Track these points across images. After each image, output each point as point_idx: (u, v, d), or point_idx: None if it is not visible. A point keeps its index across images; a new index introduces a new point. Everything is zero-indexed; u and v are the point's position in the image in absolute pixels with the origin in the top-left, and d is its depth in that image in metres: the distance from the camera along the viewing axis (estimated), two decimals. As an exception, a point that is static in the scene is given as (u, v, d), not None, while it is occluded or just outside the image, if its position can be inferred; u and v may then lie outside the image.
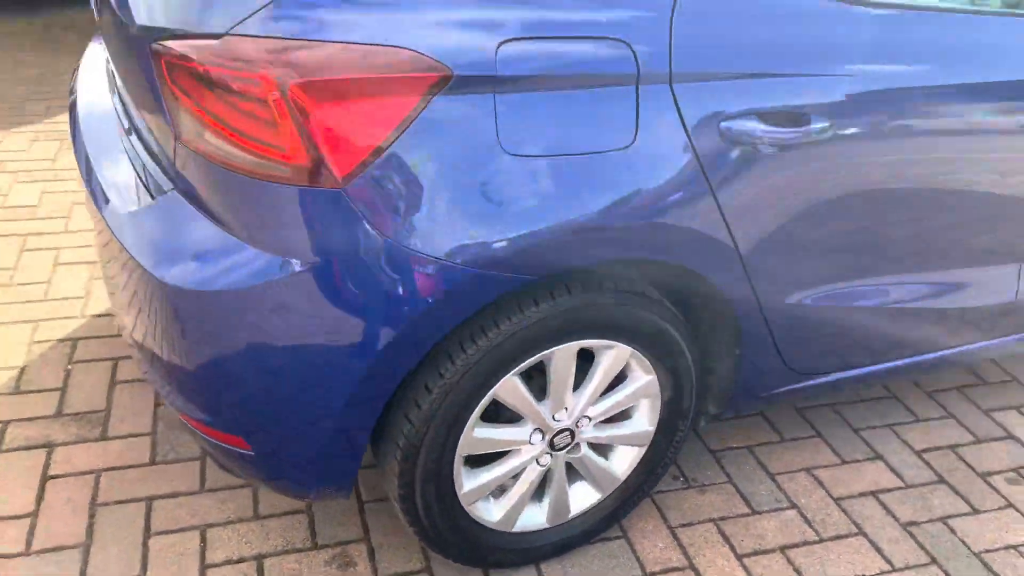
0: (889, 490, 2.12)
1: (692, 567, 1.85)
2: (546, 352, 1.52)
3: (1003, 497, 2.14)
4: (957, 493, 2.13)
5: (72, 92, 2.03)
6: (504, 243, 1.33)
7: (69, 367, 2.27)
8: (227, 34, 1.22)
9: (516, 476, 1.69)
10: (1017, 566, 1.95)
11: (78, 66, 2.13)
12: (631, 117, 1.37)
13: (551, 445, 1.67)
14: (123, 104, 1.72)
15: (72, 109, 1.96)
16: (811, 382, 1.94)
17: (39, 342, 2.35)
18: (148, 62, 1.36)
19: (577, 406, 1.64)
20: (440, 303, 1.34)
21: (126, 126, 1.69)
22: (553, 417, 1.63)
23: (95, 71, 2.04)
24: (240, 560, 1.76)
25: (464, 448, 1.56)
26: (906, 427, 2.34)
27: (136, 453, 2.01)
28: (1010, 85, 1.71)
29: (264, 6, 1.22)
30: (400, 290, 1.32)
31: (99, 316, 2.47)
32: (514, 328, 1.45)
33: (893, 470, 2.18)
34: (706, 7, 1.40)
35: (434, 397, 1.46)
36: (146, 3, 1.37)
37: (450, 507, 1.62)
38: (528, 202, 1.34)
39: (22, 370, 2.24)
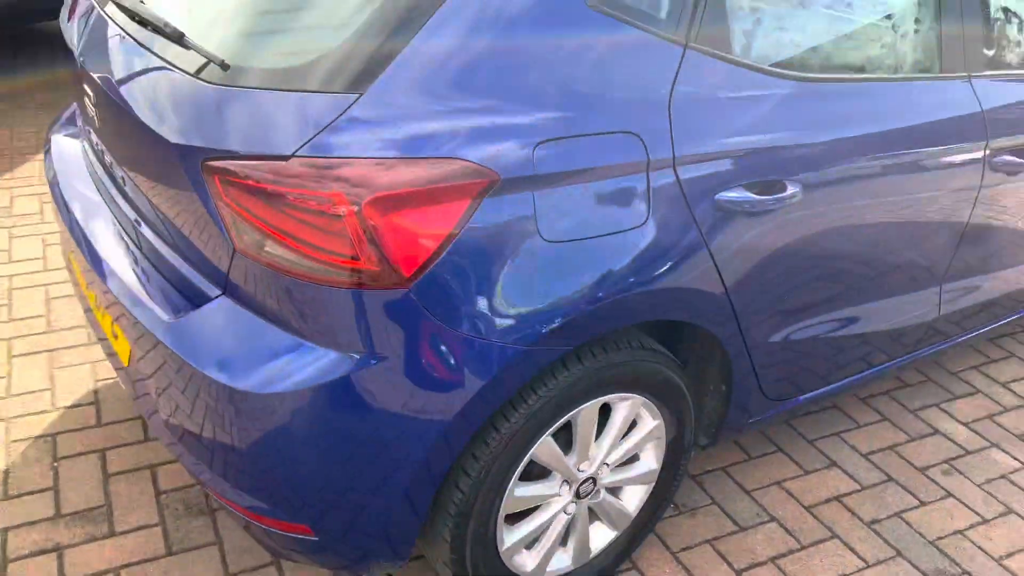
0: (849, 493, 2.37)
1: (699, 587, 2.03)
2: (574, 411, 1.67)
3: (942, 488, 2.43)
4: (905, 489, 2.41)
5: (56, 187, 2.02)
6: (548, 320, 1.47)
7: (55, 464, 2.23)
8: (294, 155, 1.32)
9: (545, 527, 1.82)
10: (965, 548, 2.23)
11: (50, 159, 2.13)
12: (644, 198, 1.55)
13: (576, 494, 1.81)
14: (134, 210, 1.75)
15: (62, 206, 1.96)
16: (781, 408, 2.16)
17: (16, 441, 2.29)
18: (193, 178, 1.43)
19: (599, 455, 1.79)
20: (494, 381, 1.47)
21: (138, 231, 1.73)
22: (578, 468, 1.78)
23: (78, 172, 2.04)
24: (283, 639, 1.81)
25: (507, 508, 1.68)
26: (851, 433, 2.62)
27: (151, 545, 2.01)
28: (926, 143, 2.00)
29: (325, 127, 1.32)
30: (460, 374, 1.44)
31: (72, 407, 2.43)
32: (550, 393, 1.59)
33: (849, 474, 2.44)
34: (694, 102, 1.60)
35: (482, 465, 1.58)
36: (193, 122, 1.43)
37: (495, 564, 1.74)
38: (567, 281, 1.48)
39: (6, 472, 2.19)
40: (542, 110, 1.44)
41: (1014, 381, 2.95)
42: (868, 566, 2.14)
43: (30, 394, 2.47)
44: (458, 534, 1.63)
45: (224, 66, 1.45)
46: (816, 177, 1.78)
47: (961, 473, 2.50)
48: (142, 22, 1.64)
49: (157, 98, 1.52)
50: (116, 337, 1.79)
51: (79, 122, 2.13)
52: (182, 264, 1.60)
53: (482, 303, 1.42)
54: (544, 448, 1.67)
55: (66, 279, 3.01)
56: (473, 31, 1.39)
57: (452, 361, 1.43)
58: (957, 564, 2.17)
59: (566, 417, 1.66)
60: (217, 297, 1.50)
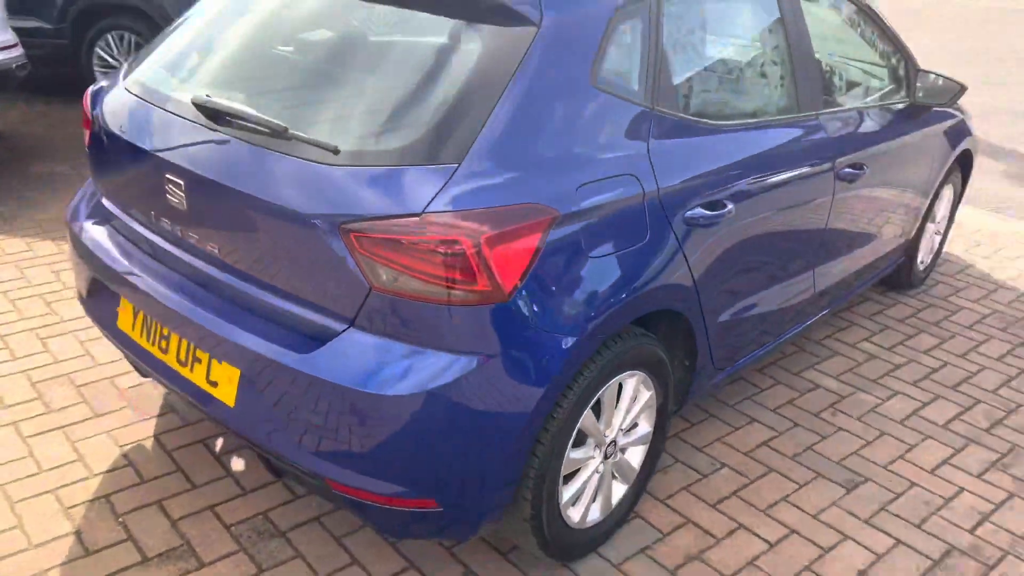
0: (771, 439, 3.04)
1: (687, 518, 2.60)
2: (604, 389, 2.20)
3: (833, 424, 3.16)
4: (808, 429, 3.11)
5: (110, 261, 2.31)
6: (595, 317, 2.00)
7: (121, 520, 2.45)
8: (424, 212, 1.78)
9: (584, 484, 2.32)
10: (860, 463, 2.95)
11: (91, 242, 2.40)
12: (645, 220, 2.12)
13: (604, 455, 2.33)
14: (230, 273, 2.10)
15: (120, 277, 2.26)
16: (722, 375, 2.80)
17: (72, 507, 2.48)
18: (327, 240, 1.84)
19: (616, 423, 2.33)
20: (563, 368, 1.97)
21: (237, 290, 2.09)
22: (605, 434, 2.30)
23: (135, 250, 2.34)
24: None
25: (565, 469, 2.17)
26: (758, 396, 3.30)
27: (242, 568, 2.30)
28: (798, 165, 2.73)
29: (440, 189, 1.79)
30: (545, 362, 1.93)
31: (110, 471, 2.64)
32: (591, 375, 2.11)
33: (767, 426, 3.12)
34: (662, 147, 2.20)
35: (550, 436, 2.06)
36: (323, 197, 1.85)
37: (557, 516, 2.22)
38: (605, 286, 2.02)
39: (77, 534, 2.39)
40: (577, 162, 1.98)
41: (860, 342, 3.79)
42: (800, 487, 2.80)
43: (62, 467, 2.65)
44: (536, 494, 2.10)
45: (335, 151, 1.88)
46: (739, 196, 2.44)
47: (843, 412, 3.24)
48: (232, 119, 2.03)
49: (280, 181, 1.91)
50: (215, 384, 2.12)
51: (124, 210, 2.42)
52: (293, 308, 1.98)
53: (555, 306, 1.93)
54: (587, 420, 2.18)
55: (43, 363, 3.15)
56: (525, 111, 1.92)
57: (537, 354, 1.92)
58: (859, 474, 2.89)
59: (600, 392, 2.18)
60: (346, 329, 1.91)
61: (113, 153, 2.37)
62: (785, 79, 2.77)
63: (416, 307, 1.83)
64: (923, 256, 4.22)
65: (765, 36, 2.76)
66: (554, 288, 1.93)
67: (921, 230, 4.02)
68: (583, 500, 2.33)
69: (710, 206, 2.33)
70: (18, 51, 5.20)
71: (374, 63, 2.10)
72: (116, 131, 2.34)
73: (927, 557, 2.54)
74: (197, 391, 2.18)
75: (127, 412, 2.92)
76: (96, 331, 3.38)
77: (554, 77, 1.97)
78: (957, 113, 3.94)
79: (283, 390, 1.96)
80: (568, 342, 1.96)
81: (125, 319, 2.39)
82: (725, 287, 2.52)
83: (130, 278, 2.30)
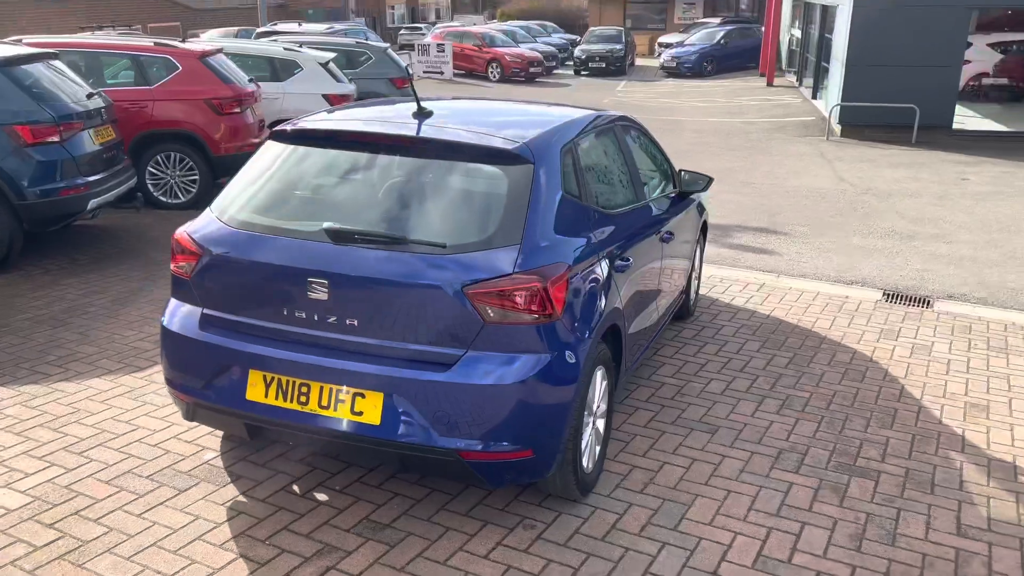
0: (659, 412, 4.54)
1: (653, 462, 3.98)
2: (594, 375, 3.56)
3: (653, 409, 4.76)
4: (675, 407, 4.68)
5: (244, 344, 3.27)
6: (596, 326, 3.39)
7: (268, 541, 3.30)
8: (513, 273, 3.07)
9: (587, 441, 3.62)
10: (708, 417, 4.55)
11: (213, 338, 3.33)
12: (604, 268, 3.57)
13: (594, 420, 3.67)
14: (363, 336, 3.19)
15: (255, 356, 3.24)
16: (628, 372, 4.27)
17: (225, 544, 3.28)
18: (453, 298, 3.05)
19: (596, 399, 3.68)
20: (586, 357, 3.32)
21: (367, 348, 3.19)
22: (596, 406, 3.65)
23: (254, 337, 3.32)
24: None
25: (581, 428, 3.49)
26: (636, 391, 4.81)
27: (376, 548, 3.28)
28: (647, 234, 4.37)
29: (516, 258, 3.10)
30: (578, 354, 3.27)
31: (233, 519, 3.44)
32: (591, 365, 3.45)
33: (659, 406, 4.62)
34: (600, 227, 3.70)
35: (577, 403, 3.37)
36: (447, 275, 3.06)
37: (579, 464, 3.50)
38: (597, 308, 3.43)
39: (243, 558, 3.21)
40: (569, 236, 3.39)
41: (670, 341, 5.47)
42: (687, 444, 4.32)
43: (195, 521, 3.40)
44: (574, 444, 3.39)
45: (444, 246, 3.12)
46: (633, 252, 3.98)
47: (683, 395, 4.85)
48: (359, 237, 3.18)
49: (407, 268, 3.10)
50: (360, 414, 3.17)
51: (245, 311, 3.37)
52: (421, 347, 3.13)
53: (577, 322, 3.30)
54: (591, 394, 3.53)
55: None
56: (543, 211, 3.30)
57: (576, 350, 3.26)
58: (711, 424, 4.47)
59: (592, 379, 3.54)
60: (465, 353, 3.10)
61: (236, 274, 3.34)
62: (632, 183, 4.42)
63: (510, 330, 3.09)
64: (691, 294, 6.10)
65: (619, 159, 4.40)
66: (575, 311, 3.30)
67: (690, 276, 5.89)
68: (587, 452, 3.64)
69: (624, 259, 3.84)
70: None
71: (439, 189, 3.36)
72: (242, 258, 3.32)
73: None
74: (342, 423, 3.20)
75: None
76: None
77: (547, 190, 3.38)
78: (697, 196, 5.91)
79: (427, 399, 3.09)
80: (587, 344, 3.32)
81: (256, 390, 3.32)
82: (630, 311, 4.03)
83: (265, 356, 3.26)
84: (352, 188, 3.57)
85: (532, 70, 26.06)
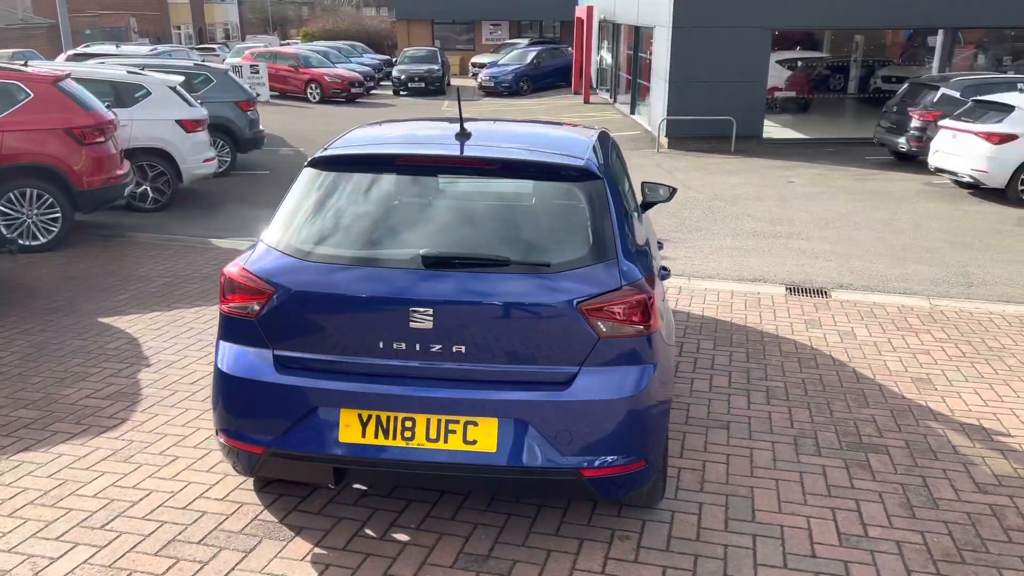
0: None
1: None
2: (659, 382, 3.67)
3: (682, 403, 4.96)
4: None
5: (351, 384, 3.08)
6: (674, 335, 3.49)
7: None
8: (621, 287, 3.11)
9: (653, 450, 3.71)
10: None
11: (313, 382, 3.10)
12: (656, 276, 3.68)
13: (657, 428, 3.77)
14: (468, 362, 3.09)
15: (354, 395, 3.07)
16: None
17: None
18: (566, 315, 3.04)
19: (657, 407, 3.79)
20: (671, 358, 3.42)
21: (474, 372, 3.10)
22: (657, 414, 3.75)
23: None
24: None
25: (662, 434, 3.58)
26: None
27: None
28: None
29: (620, 272, 3.15)
30: (673, 363, 3.36)
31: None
32: (662, 373, 3.57)
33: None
34: (649, 233, 3.80)
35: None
36: (562, 290, 3.05)
37: (666, 469, 3.58)
38: (669, 317, 3.53)
39: (359, 610, 3.00)
40: (641, 245, 3.47)
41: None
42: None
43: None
44: (665, 452, 3.46)
45: (547, 265, 3.11)
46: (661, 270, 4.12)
47: (679, 396, 5.06)
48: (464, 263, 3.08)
49: (514, 290, 3.05)
50: (474, 443, 3.08)
51: (329, 348, 3.16)
52: (530, 368, 3.08)
53: (666, 325, 3.38)
54: (661, 401, 3.64)
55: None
56: (622, 226, 3.36)
57: (671, 355, 3.34)
58: (720, 420, 4.70)
59: (661, 385, 3.65)
60: (579, 370, 3.09)
61: (320, 310, 3.13)
62: (632, 195, 4.56)
63: (621, 343, 3.13)
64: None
65: (623, 173, 4.52)
66: (663, 319, 3.39)
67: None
68: (659, 459, 3.73)
69: (664, 268, 3.97)
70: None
71: (521, 209, 3.32)
72: (329, 292, 3.11)
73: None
74: (455, 455, 3.08)
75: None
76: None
77: (617, 205, 3.44)
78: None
79: (545, 419, 3.05)
80: (673, 348, 3.42)
81: (351, 431, 3.12)
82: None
83: (360, 393, 3.08)
84: (429, 212, 3.44)
85: (353, 91, 25.67)
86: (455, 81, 34.03)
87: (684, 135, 16.98)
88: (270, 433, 3.21)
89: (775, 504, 3.79)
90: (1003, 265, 8.37)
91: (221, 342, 3.33)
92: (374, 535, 3.46)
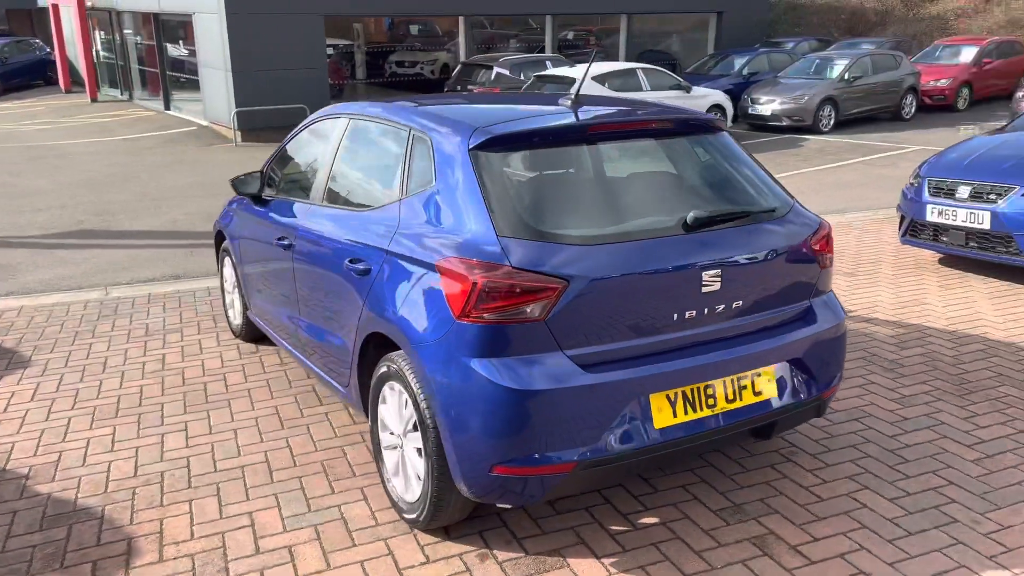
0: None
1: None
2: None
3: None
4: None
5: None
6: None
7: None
8: (820, 221, 3.40)
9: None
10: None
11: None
12: None
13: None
14: (745, 315, 3.09)
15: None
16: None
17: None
18: (802, 257, 3.25)
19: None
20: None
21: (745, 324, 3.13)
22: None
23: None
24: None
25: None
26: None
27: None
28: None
29: (815, 214, 3.44)
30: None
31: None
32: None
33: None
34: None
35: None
36: (793, 230, 3.22)
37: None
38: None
39: None
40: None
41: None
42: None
43: None
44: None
45: (773, 210, 3.26)
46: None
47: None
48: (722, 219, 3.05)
49: (780, 238, 3.16)
50: (760, 393, 3.13)
51: (619, 332, 2.88)
52: (786, 309, 3.23)
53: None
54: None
55: None
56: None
57: (811, 284, 3.73)
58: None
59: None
60: (811, 302, 3.31)
61: (609, 297, 2.81)
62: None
63: (827, 272, 3.39)
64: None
65: None
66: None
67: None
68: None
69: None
70: None
71: (712, 164, 3.32)
72: (621, 274, 2.81)
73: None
74: (747, 410, 3.09)
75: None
76: None
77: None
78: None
79: (804, 355, 3.23)
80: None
81: (663, 415, 2.91)
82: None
83: (664, 373, 2.89)
84: (641, 179, 3.23)
85: None
86: None
87: (259, 126, 16.34)
88: (581, 444, 2.79)
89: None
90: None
91: (490, 360, 2.75)
92: (624, 527, 3.23)
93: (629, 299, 2.86)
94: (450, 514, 3.10)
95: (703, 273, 2.97)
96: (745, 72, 17.91)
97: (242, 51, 16.02)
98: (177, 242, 8.50)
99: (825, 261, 3.37)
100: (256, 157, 14.44)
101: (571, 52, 21.03)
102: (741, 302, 3.10)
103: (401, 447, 3.25)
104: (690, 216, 3.02)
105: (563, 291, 2.76)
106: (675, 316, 2.96)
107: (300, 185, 4.41)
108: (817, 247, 3.31)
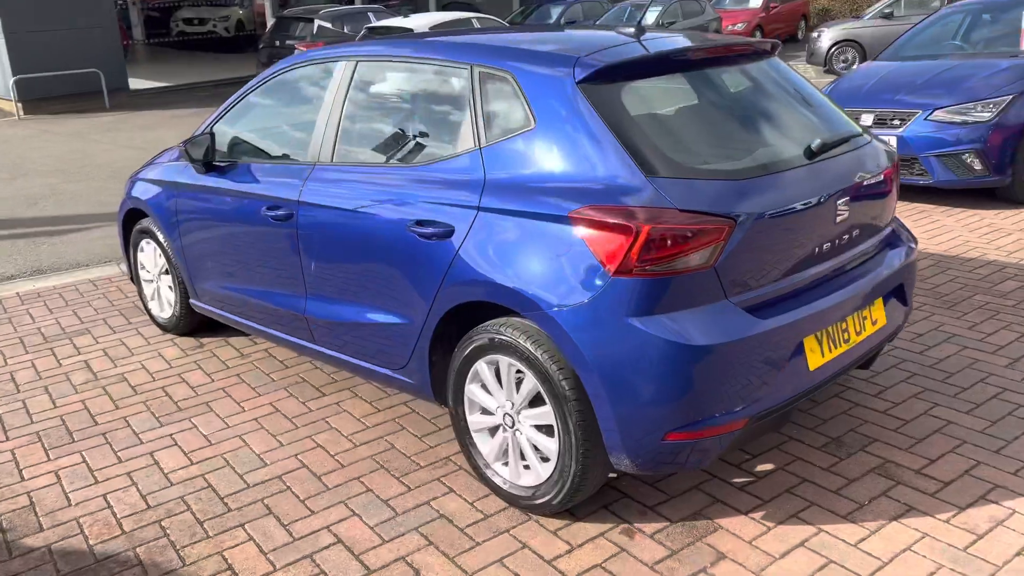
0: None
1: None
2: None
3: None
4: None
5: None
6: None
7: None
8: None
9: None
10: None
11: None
12: None
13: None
14: (857, 245, 2.98)
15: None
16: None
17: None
18: (889, 179, 3.20)
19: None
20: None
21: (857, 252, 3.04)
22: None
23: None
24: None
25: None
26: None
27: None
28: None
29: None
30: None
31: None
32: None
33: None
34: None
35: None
36: (882, 151, 3.15)
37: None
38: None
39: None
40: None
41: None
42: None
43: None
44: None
45: (860, 134, 3.17)
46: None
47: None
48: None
49: (881, 159, 3.08)
50: (876, 322, 3.07)
51: (769, 276, 2.70)
52: (884, 234, 3.16)
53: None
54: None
55: None
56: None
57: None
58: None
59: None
60: (890, 226, 3.27)
61: (767, 235, 2.60)
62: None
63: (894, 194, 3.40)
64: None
65: None
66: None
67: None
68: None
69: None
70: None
71: (786, 88, 3.14)
72: (777, 210, 2.60)
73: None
74: (867, 341, 3.01)
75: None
76: None
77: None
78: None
79: (907, 278, 3.21)
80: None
81: (815, 356, 2.76)
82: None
83: (814, 313, 2.74)
84: (741, 105, 2.99)
85: None
86: None
87: (42, 96, 14.37)
88: (752, 396, 2.57)
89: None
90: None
91: (648, 319, 2.45)
92: (746, 478, 3.07)
93: (783, 236, 2.66)
94: (588, 492, 2.79)
95: (838, 204, 2.82)
96: (562, 23, 18.06)
97: (15, 7, 13.89)
98: (4, 232, 7.22)
99: (895, 186, 3.34)
100: (48, 131, 12.70)
101: (378, 1, 20.24)
102: (858, 231, 3.00)
103: (512, 427, 2.87)
104: (815, 143, 2.85)
105: (731, 232, 2.51)
106: (816, 250, 2.80)
107: (282, 146, 3.77)
108: (893, 171, 3.27)
